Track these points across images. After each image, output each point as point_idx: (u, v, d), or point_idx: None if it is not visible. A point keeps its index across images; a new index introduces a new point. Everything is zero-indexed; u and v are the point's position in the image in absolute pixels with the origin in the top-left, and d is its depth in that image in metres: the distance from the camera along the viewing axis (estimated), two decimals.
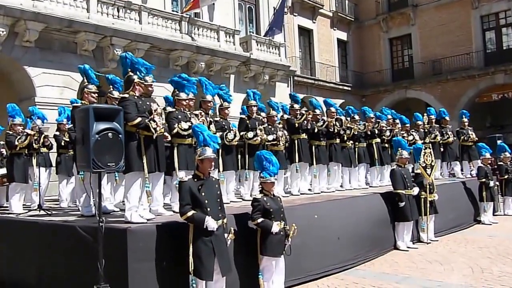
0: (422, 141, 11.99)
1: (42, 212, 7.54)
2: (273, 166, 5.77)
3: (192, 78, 7.26)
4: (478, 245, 8.97)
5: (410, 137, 12.41)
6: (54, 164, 9.63)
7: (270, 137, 8.82)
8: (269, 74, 21.70)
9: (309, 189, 10.05)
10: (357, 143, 11.15)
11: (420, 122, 13.50)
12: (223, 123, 8.31)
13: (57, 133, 9.36)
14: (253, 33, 22.22)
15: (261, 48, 21.47)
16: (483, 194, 11.62)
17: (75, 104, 7.10)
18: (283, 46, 22.54)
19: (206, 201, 4.92)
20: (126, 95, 5.75)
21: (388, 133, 11.68)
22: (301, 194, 9.56)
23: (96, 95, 6.94)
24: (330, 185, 10.45)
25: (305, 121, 9.52)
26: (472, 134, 13.45)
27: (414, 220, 9.06)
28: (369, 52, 29.41)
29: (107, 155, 4.65)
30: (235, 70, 20.30)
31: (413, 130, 13.02)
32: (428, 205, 9.16)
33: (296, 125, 9.56)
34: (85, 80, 7.15)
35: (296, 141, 9.58)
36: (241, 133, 8.53)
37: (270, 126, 9.12)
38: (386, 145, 11.75)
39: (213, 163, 5.12)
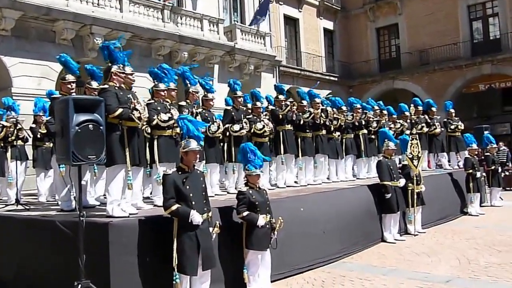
0: (409, 132, 12.11)
1: (19, 207, 7.45)
2: (258, 158, 5.79)
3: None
4: (465, 237, 9.04)
5: (398, 125, 12.54)
6: (30, 157, 9.49)
7: (259, 125, 8.83)
8: (254, 64, 21.68)
9: (295, 182, 10.07)
10: (344, 134, 11.21)
11: (407, 113, 13.59)
12: (206, 114, 8.26)
13: (33, 125, 9.20)
14: (237, 22, 22.11)
15: (246, 38, 21.41)
16: (470, 185, 11.72)
17: (54, 95, 7.02)
18: (268, 36, 22.51)
19: (191, 195, 4.90)
20: (106, 86, 5.70)
21: (375, 124, 11.76)
22: (287, 186, 9.55)
23: (75, 85, 6.87)
24: (317, 177, 10.48)
25: (290, 112, 9.52)
26: (460, 125, 13.59)
27: (401, 212, 9.11)
28: (356, 42, 29.48)
29: (88, 147, 4.60)
30: (219, 60, 20.21)
31: (400, 121, 13.14)
32: (415, 196, 9.21)
33: (281, 116, 9.55)
34: (65, 70, 7.08)
35: (281, 133, 9.57)
36: (226, 125, 8.49)
37: (255, 117, 9.11)
38: (373, 136, 11.81)
39: (198, 156, 5.12)
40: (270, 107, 10.22)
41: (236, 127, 8.60)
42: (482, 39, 25.75)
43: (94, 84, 7.12)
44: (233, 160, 8.62)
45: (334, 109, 10.94)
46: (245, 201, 5.63)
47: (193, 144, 5.06)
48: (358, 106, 11.67)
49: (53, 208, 6.93)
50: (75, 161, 4.57)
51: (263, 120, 9.04)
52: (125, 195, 5.72)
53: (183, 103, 7.85)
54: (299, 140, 9.89)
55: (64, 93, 6.72)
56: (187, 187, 4.89)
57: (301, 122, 9.84)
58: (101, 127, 4.74)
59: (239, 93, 9.10)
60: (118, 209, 5.47)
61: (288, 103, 9.78)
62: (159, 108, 6.69)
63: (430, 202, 9.97)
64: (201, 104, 8.46)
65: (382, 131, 9.78)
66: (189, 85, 8.12)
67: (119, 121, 5.58)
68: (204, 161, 7.82)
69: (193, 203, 4.89)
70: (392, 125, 12.49)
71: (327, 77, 27.41)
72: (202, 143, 7.01)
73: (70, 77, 6.84)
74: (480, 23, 25.98)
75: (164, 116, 6.60)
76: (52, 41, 15.22)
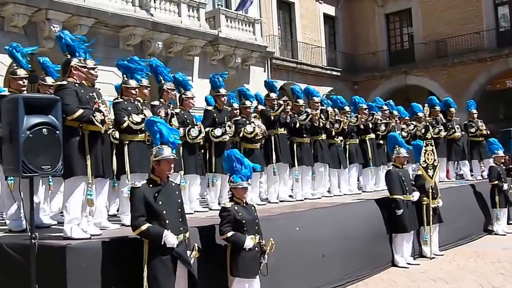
0: (424, 136, 12.15)
1: None
2: (246, 167, 5.80)
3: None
4: (490, 260, 9.04)
5: (411, 127, 12.63)
6: None
7: (249, 128, 8.92)
8: (242, 56, 21.74)
9: (290, 196, 10.07)
10: (347, 139, 11.17)
11: (421, 114, 13.52)
12: (185, 116, 8.26)
13: None
14: (222, 6, 22.18)
15: (231, 25, 21.45)
16: (496, 199, 11.68)
17: (1, 93, 6.94)
18: (258, 23, 22.55)
19: (164, 212, 4.90)
20: (64, 83, 5.66)
21: (383, 127, 11.69)
22: (280, 201, 9.56)
23: (26, 81, 6.83)
24: (315, 191, 10.46)
25: (284, 113, 9.54)
26: (482, 128, 13.62)
27: (414, 231, 9.11)
28: (361, 30, 29.66)
29: (41, 156, 4.57)
30: (200, 51, 20.25)
31: (414, 122, 13.15)
32: (431, 212, 9.19)
33: (272, 117, 9.53)
34: (15, 64, 7.06)
35: (273, 138, 9.57)
36: (207, 129, 8.47)
37: (244, 119, 9.15)
38: (382, 141, 11.78)
39: (172, 165, 5.12)
40: (260, 107, 10.23)
41: (218, 131, 8.58)
42: (509, 27, 25.93)
43: (49, 80, 7.09)
44: (215, 170, 8.63)
45: (336, 110, 10.95)
46: (230, 219, 5.62)
47: (167, 152, 5.06)
48: (364, 106, 11.60)
49: (0, 229, 6.73)
50: (26, 172, 4.52)
51: (253, 122, 9.08)
52: (86, 213, 5.69)
53: (156, 102, 7.83)
54: (294, 146, 9.88)
55: (13, 91, 6.69)
56: (160, 202, 4.89)
57: (297, 125, 9.83)
58: (57, 132, 4.70)
59: (222, 90, 9.05)
60: (78, 229, 5.43)
61: (282, 102, 9.74)
62: (129, 108, 6.70)
63: (449, 219, 9.97)
64: (178, 104, 8.48)
65: (391, 136, 9.77)
66: (162, 81, 8.14)
67: (79, 125, 5.55)
68: (182, 172, 7.85)
69: (167, 221, 4.89)
70: (404, 126, 12.55)
71: (328, 72, 27.54)
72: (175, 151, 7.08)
73: (21, 72, 6.81)
74: (507, 8, 26.20)
75: (137, 118, 6.63)
76: (1, 29, 15.15)
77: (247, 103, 9.45)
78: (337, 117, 10.68)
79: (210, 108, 9.16)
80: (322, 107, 10.56)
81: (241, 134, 8.91)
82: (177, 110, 8.22)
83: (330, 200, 9.88)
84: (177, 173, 7.46)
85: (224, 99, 9.11)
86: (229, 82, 14.25)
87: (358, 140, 11.44)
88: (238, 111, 9.38)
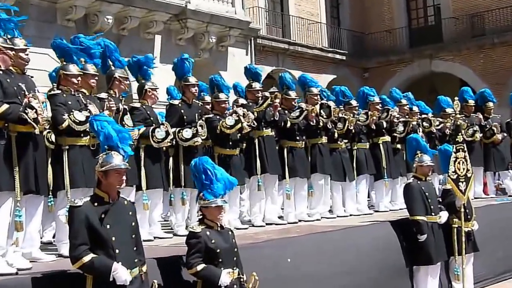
0: (454, 139, 11.72)
1: None
2: (220, 180, 5.82)
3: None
4: None
5: (436, 122, 12.72)
6: None
7: (230, 120, 8.97)
8: (217, 34, 21.69)
9: (280, 217, 10.10)
10: (354, 143, 11.18)
11: (449, 110, 13.28)
12: (148, 112, 8.38)
13: None
14: None
15: None
16: None
17: None
18: None
19: (114, 239, 4.88)
20: None
21: (401, 127, 11.60)
22: (267, 224, 9.59)
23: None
24: (313, 210, 10.46)
25: (271, 109, 9.58)
26: None
27: (442, 262, 9.07)
28: (373, 0, 29.70)
29: None
30: (163, 28, 20.25)
31: (439, 120, 13.26)
32: (463, 239, 8.99)
33: (255, 114, 9.50)
34: None
35: (257, 141, 9.63)
36: (173, 131, 8.52)
37: (218, 117, 9.21)
38: (399, 146, 11.74)
39: (124, 178, 5.13)
40: (241, 101, 10.22)
41: (187, 133, 8.59)
42: None
43: None
44: (184, 184, 8.64)
45: (339, 105, 10.95)
46: (200, 247, 5.58)
47: (117, 160, 5.07)
48: (376, 100, 11.57)
49: None
50: None
51: (235, 111, 9.13)
52: (13, 240, 5.66)
53: (104, 95, 7.86)
54: (285, 152, 9.94)
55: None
56: (107, 226, 4.89)
57: (288, 124, 9.88)
58: None
59: (192, 79, 9.06)
60: (2, 261, 5.39)
61: (268, 94, 9.81)
62: (70, 102, 6.70)
63: (487, 247, 9.89)
64: (138, 98, 8.62)
65: (412, 139, 9.63)
66: (112, 67, 8.19)
67: (4, 124, 5.57)
68: (144, 187, 7.96)
69: (117, 251, 4.86)
70: (428, 125, 12.61)
71: (329, 55, 27.48)
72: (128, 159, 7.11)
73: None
74: None
75: (79, 115, 6.63)
76: None
77: (222, 96, 9.47)
78: (341, 114, 10.65)
79: (175, 102, 9.17)
80: (322, 101, 10.55)
81: (220, 131, 8.96)
82: (137, 105, 8.35)
83: (332, 222, 9.89)
84: (130, 187, 7.49)
85: (195, 90, 9.11)
86: (201, 69, 14.75)
87: (368, 144, 11.44)
88: (210, 106, 9.47)
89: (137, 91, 8.66)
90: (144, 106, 8.36)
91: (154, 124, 8.24)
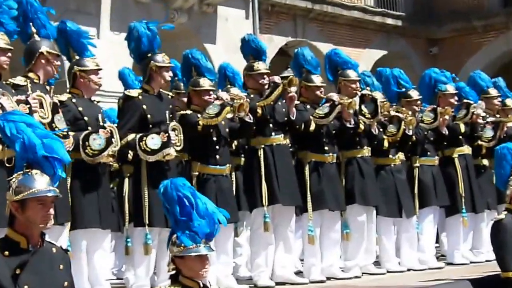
0: None
1: None
2: (205, 216, 5.08)
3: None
4: None
5: None
6: None
7: (213, 109, 8.14)
8: None
9: (299, 272, 8.98)
10: (415, 157, 10.05)
11: None
12: (80, 109, 7.47)
13: None
14: None
15: None
16: None
17: None
18: None
19: None
20: None
21: (490, 132, 10.38)
22: (276, 284, 8.45)
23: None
24: (350, 262, 9.20)
25: (283, 103, 8.65)
26: None
27: None
28: None
29: None
30: None
31: None
32: None
33: (260, 112, 8.26)
34: None
35: (262, 153, 8.47)
36: (130, 138, 7.56)
37: (198, 115, 8.26)
38: (486, 162, 10.50)
39: (51, 210, 4.55)
40: (234, 91, 9.03)
41: (153, 141, 7.54)
42: None
43: None
44: (149, 220, 7.57)
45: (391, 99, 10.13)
46: None
47: (40, 183, 4.50)
48: (451, 89, 10.31)
49: None
50: None
51: (218, 97, 8.21)
52: None
53: (21, 80, 7.12)
54: (306, 170, 8.79)
55: None
56: (25, 287, 4.41)
57: (311, 126, 8.74)
58: None
59: (160, 58, 7.98)
60: None
61: (278, 80, 8.52)
62: None
63: None
64: (70, 85, 7.79)
65: (506, 150, 8.08)
66: (36, 38, 7.28)
67: None
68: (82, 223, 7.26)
69: None
70: None
71: (377, 20, 24.80)
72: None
73: None
74: None
75: None
76: None
77: (204, 82, 8.19)
78: (393, 112, 9.64)
79: (133, 93, 8.02)
80: (364, 92, 9.43)
81: (200, 127, 7.94)
82: (63, 97, 7.41)
83: (379, 282, 8.89)
84: (61, 225, 6.79)
85: (168, 76, 8.05)
86: (175, 41, 14.38)
87: (437, 160, 10.26)
88: (187, 98, 8.60)
89: (67, 76, 7.73)
90: (74, 100, 7.40)
91: (89, 128, 7.29)
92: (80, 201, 7.13)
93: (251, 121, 8.32)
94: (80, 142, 7.03)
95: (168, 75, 7.98)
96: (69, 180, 6.98)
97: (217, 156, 8.01)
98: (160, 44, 8.06)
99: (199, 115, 8.03)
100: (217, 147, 8.08)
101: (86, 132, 7.12)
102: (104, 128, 7.27)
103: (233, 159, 8.61)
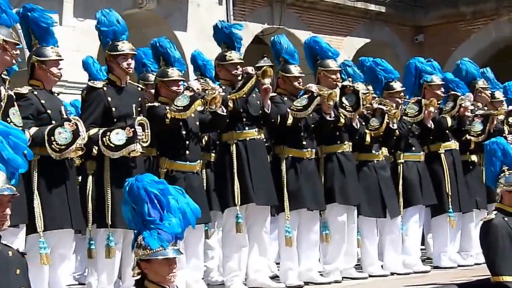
0: None
1: None
2: (175, 214, 4.92)
3: None
4: None
5: None
6: None
7: (182, 100, 8.09)
8: None
9: (274, 277, 9.01)
10: (399, 152, 9.90)
11: None
12: (43, 102, 7.31)
13: None
14: None
15: None
16: None
17: None
18: None
19: None
20: None
21: (478, 126, 10.29)
22: None
23: None
24: (329, 266, 9.08)
25: (257, 95, 8.58)
26: None
27: None
28: None
29: None
30: None
31: None
32: None
33: (231, 105, 8.20)
34: None
35: (234, 149, 8.40)
36: (92, 133, 7.44)
37: (165, 107, 8.21)
38: (475, 158, 10.43)
39: (7, 212, 4.56)
40: (203, 81, 8.99)
41: (118, 136, 7.47)
42: None
43: None
44: (112, 221, 7.48)
45: (374, 90, 10.00)
46: None
47: None
48: (437, 80, 10.20)
49: None
50: None
51: (188, 88, 8.05)
52: None
53: None
54: (282, 166, 8.72)
55: None
56: None
57: (288, 120, 8.64)
58: None
59: (126, 46, 7.84)
60: None
61: (251, 71, 8.45)
62: None
63: None
64: (30, 75, 7.55)
65: (493, 146, 7.97)
66: None
67: None
68: (40, 227, 7.03)
69: None
70: None
71: (359, 6, 24.35)
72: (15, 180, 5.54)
73: None
74: None
75: None
76: None
77: (172, 72, 8.11)
78: (376, 104, 9.49)
79: (98, 84, 7.94)
80: (345, 83, 9.24)
81: (168, 120, 7.83)
82: (24, 90, 7.28)
83: (362, 286, 8.92)
84: (16, 227, 6.48)
85: (130, 65, 7.85)
86: (142, 28, 14.90)
87: (423, 155, 10.12)
88: (154, 90, 8.48)
89: (27, 65, 7.53)
90: (36, 92, 7.25)
91: (53, 122, 7.18)
92: (50, 200, 7.01)
93: (224, 113, 8.17)
94: (46, 137, 6.88)
95: (126, 63, 7.71)
96: (35, 178, 6.89)
97: (187, 152, 7.89)
98: (125, 31, 7.82)
99: (167, 108, 7.90)
100: (187, 142, 7.95)
101: (50, 126, 6.96)
102: (69, 120, 7.12)
103: (204, 155, 8.54)
